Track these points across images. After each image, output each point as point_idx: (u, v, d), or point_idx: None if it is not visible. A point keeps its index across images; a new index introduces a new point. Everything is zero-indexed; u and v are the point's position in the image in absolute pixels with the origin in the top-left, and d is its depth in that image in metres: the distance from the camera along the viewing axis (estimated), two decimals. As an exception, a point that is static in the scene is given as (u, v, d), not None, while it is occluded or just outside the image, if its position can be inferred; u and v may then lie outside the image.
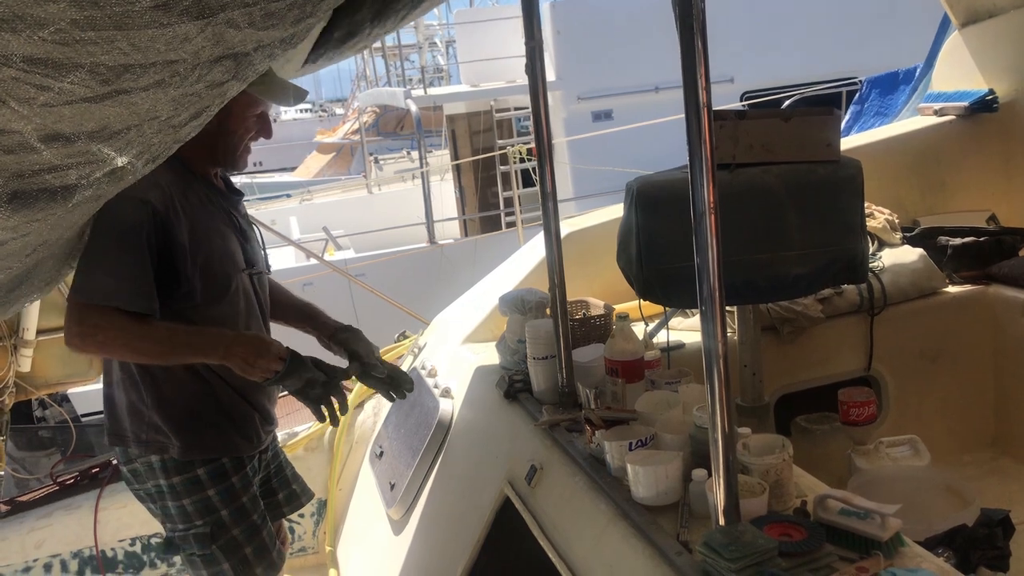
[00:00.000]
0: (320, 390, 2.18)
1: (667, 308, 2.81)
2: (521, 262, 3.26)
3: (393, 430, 3.19)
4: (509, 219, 9.80)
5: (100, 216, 2.01)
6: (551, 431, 2.24)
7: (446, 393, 2.91)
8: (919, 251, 3.09)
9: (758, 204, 2.36)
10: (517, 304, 2.73)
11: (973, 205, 3.51)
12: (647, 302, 2.72)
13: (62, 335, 3.54)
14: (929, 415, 3.04)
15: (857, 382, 3.01)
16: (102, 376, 2.36)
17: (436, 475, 2.76)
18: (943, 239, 3.16)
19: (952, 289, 3.08)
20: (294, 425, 3.66)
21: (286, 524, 3.17)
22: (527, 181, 10.25)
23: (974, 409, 3.11)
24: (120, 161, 1.26)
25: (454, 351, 3.11)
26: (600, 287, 3.08)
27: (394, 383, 2.38)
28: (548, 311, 2.72)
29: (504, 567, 2.32)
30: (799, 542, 1.54)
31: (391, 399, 2.42)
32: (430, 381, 3.06)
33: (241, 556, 2.24)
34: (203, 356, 2.16)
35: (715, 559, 1.49)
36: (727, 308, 2.90)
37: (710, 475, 1.77)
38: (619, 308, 2.90)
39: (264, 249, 2.48)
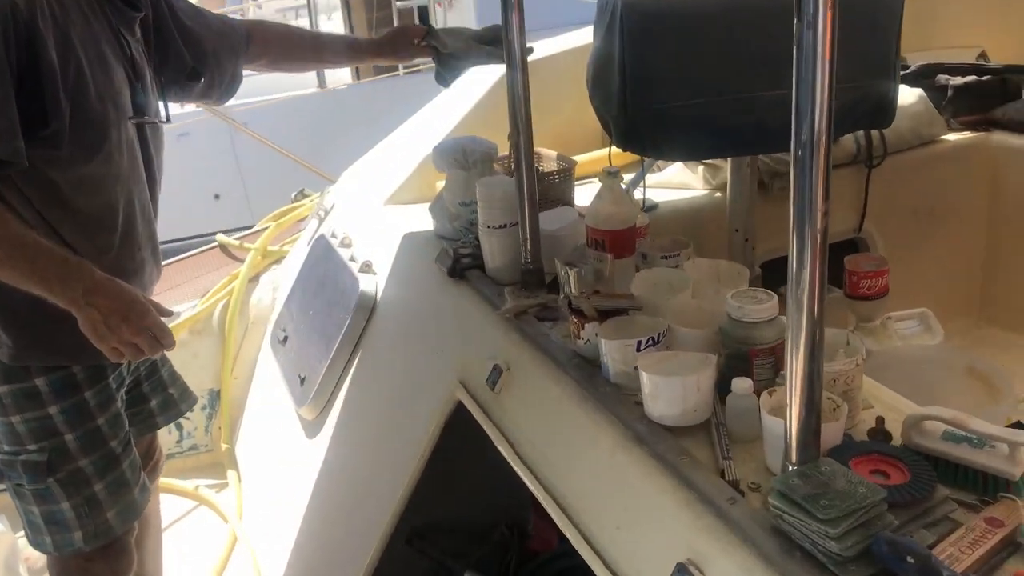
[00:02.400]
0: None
1: (644, 160, 2.30)
2: (454, 104, 2.66)
3: (299, 311, 2.64)
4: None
5: None
6: (517, 321, 1.74)
7: (366, 268, 2.36)
8: (918, 92, 2.65)
9: (775, 23, 1.83)
10: (457, 157, 2.16)
11: (962, 40, 3.08)
12: (618, 153, 2.22)
13: None
14: (917, 280, 2.69)
15: (846, 244, 2.64)
16: None
17: (358, 369, 2.25)
18: (942, 78, 2.73)
19: (951, 137, 2.68)
20: (173, 303, 3.04)
21: (165, 432, 2.61)
22: (426, 21, 9.38)
23: (962, 273, 2.79)
24: None
25: (373, 215, 2.54)
26: (549, 135, 2.52)
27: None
28: (497, 166, 2.18)
29: (463, 486, 1.88)
30: (905, 486, 1.12)
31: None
32: (344, 252, 2.50)
33: (88, 494, 1.70)
34: (47, 288, 1.52)
35: (799, 518, 1.05)
36: (715, 161, 2.43)
37: (757, 385, 1.34)
38: (580, 161, 2.38)
39: (162, 95, 1.84)
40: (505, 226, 1.89)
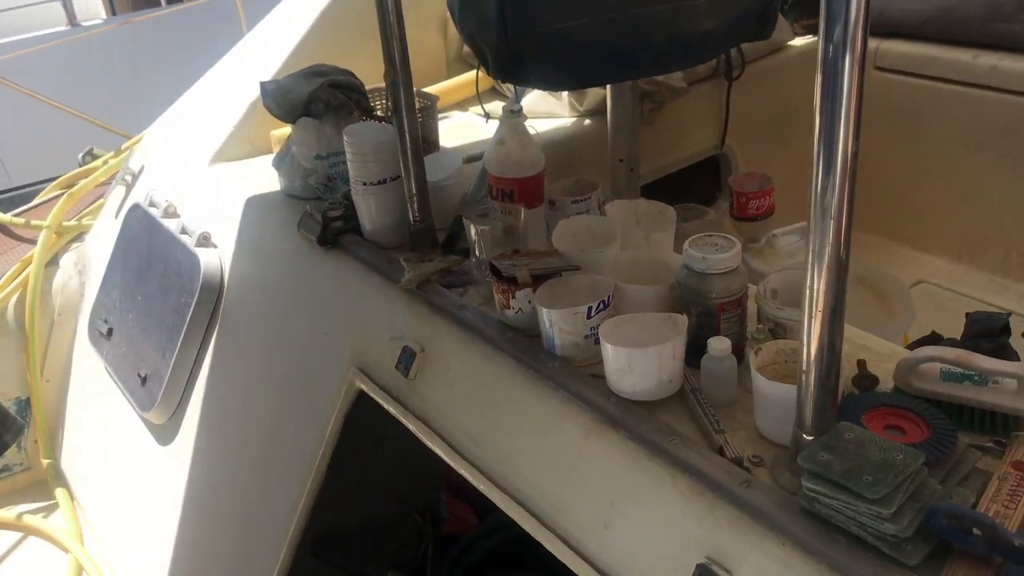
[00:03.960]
0: None
1: (517, 88, 2.08)
2: (281, 32, 2.28)
3: (122, 297, 2.24)
4: (170, -9, 8.02)
5: None
6: (421, 292, 1.51)
7: (204, 241, 2.01)
8: (763, -3, 2.58)
9: (660, -70, 1.66)
10: (303, 99, 1.85)
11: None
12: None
13: None
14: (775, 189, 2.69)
15: (709, 162, 2.57)
16: None
17: (215, 362, 1.93)
18: (784, -24, 2.67)
19: (797, 42, 2.65)
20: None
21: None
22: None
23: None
24: None
25: (200, 177, 2.17)
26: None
27: None
28: (356, 112, 1.89)
29: (367, 479, 1.65)
30: (931, 442, 1.02)
31: None
32: (171, 224, 2.12)
33: None
34: None
35: (843, 499, 0.92)
36: (592, 88, 2.24)
37: (735, 348, 1.20)
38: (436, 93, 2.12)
39: None
40: (384, 181, 1.63)
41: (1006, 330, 1.58)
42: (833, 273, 0.93)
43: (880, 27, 2.60)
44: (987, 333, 1.57)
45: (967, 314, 1.67)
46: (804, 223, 2.20)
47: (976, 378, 1.10)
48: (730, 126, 2.51)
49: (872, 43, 2.60)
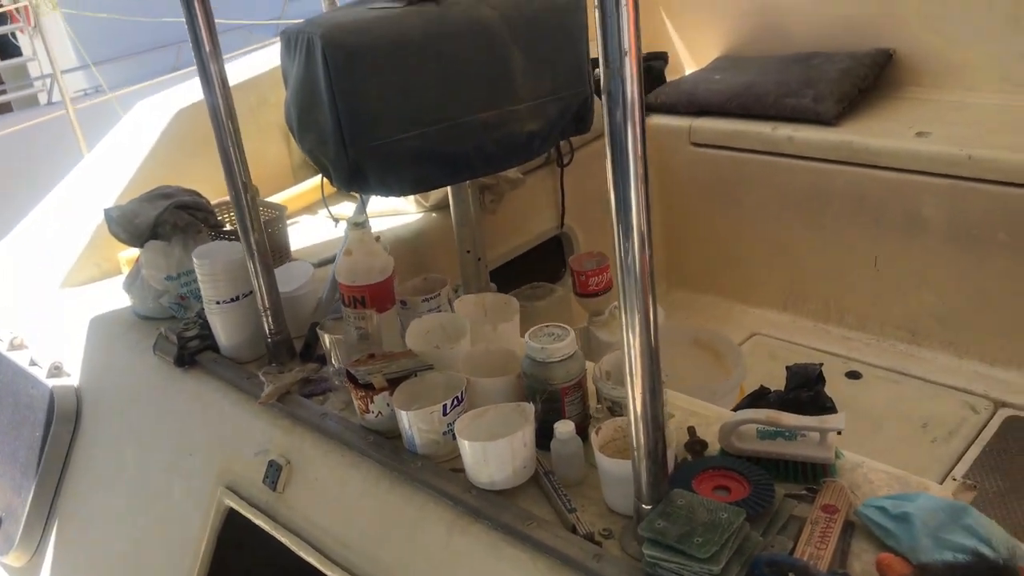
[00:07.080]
0: None
1: (362, 195, 2.17)
2: (122, 153, 2.30)
3: (-32, 437, 2.16)
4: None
5: None
6: (283, 405, 1.55)
7: (56, 371, 1.98)
8: (585, 87, 2.80)
9: (478, 46, 1.81)
10: (149, 223, 1.88)
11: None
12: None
13: None
14: (614, 261, 2.87)
15: (552, 242, 2.73)
16: None
17: (76, 496, 1.89)
18: (596, 72, 2.90)
19: (621, 125, 2.86)
20: None
21: None
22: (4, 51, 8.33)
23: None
24: None
25: (48, 304, 2.13)
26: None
27: None
28: (205, 230, 1.93)
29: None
30: (752, 499, 1.15)
31: None
32: (18, 357, 2.08)
33: None
34: None
35: (679, 562, 1.03)
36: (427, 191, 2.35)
37: (580, 428, 1.31)
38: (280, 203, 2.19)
39: None
40: (237, 298, 1.68)
41: (820, 378, 1.77)
42: (646, 356, 1.04)
43: (692, 107, 2.86)
44: (805, 384, 1.75)
45: (787, 367, 1.86)
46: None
47: (787, 434, 1.25)
48: (568, 207, 2.68)
49: (685, 122, 2.86)
